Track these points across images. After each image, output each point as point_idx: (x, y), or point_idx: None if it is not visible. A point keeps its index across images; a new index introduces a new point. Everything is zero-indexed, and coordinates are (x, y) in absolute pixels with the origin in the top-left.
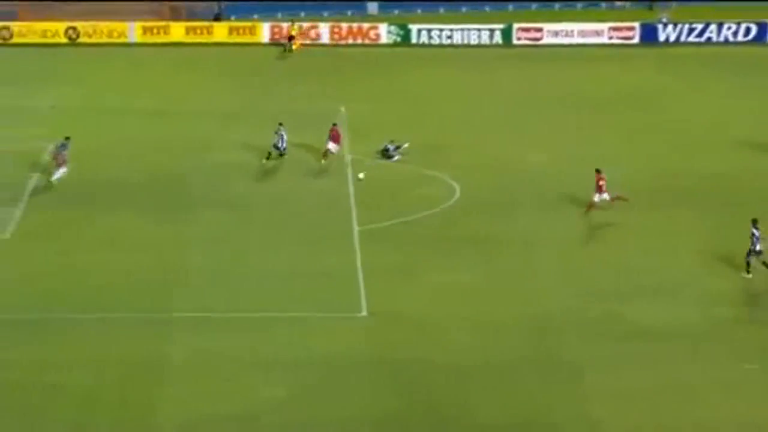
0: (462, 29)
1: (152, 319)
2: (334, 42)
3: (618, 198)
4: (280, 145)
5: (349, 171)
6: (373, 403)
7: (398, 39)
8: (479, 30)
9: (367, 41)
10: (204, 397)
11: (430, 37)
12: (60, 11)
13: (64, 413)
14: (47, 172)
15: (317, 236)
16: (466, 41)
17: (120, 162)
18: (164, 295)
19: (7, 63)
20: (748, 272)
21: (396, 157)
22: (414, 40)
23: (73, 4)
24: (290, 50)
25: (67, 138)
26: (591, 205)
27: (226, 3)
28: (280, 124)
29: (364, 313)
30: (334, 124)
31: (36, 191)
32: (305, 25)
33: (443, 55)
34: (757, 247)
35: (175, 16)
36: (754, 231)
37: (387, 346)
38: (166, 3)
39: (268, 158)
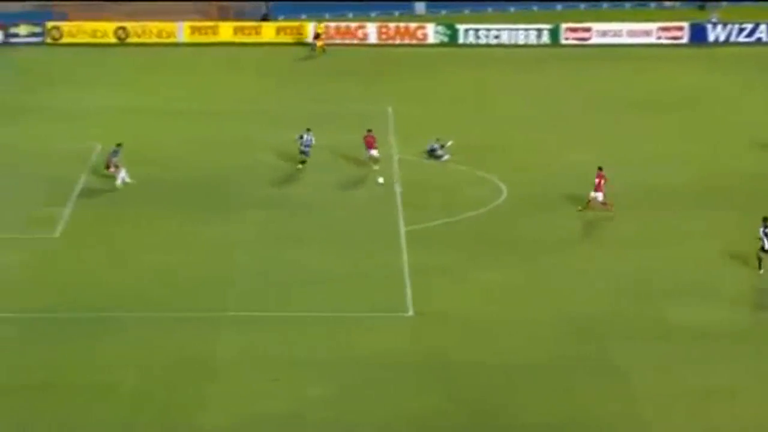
0: (509, 29)
1: (200, 318)
2: (381, 42)
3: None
4: (305, 149)
5: (396, 171)
6: (418, 403)
7: (445, 39)
8: (527, 30)
9: (414, 41)
10: (251, 396)
11: (477, 37)
12: (110, 11)
13: (113, 412)
14: (96, 172)
15: (364, 236)
16: (513, 41)
17: (168, 162)
18: (212, 294)
19: (57, 63)
20: (760, 268)
21: (445, 157)
22: (461, 40)
23: (123, 4)
24: (314, 49)
25: (119, 144)
26: (591, 202)
27: (274, 3)
28: (308, 130)
29: (411, 313)
30: (369, 131)
31: (85, 191)
32: (353, 25)
33: (490, 55)
34: (766, 246)
35: (223, 16)
36: (764, 230)
37: (433, 346)
38: (215, 3)
39: (303, 164)
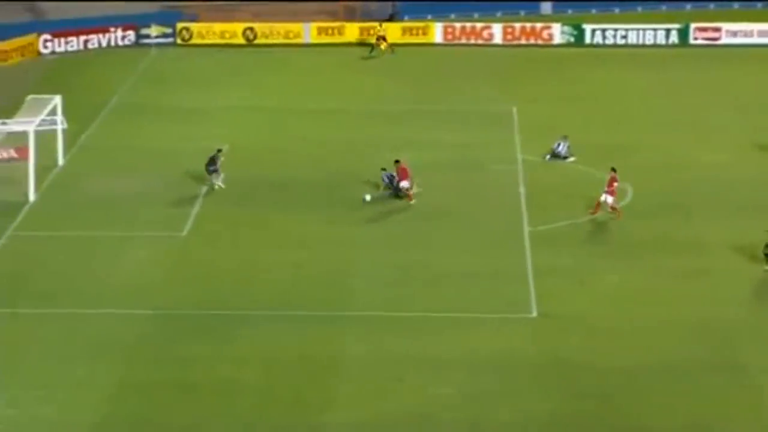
0: (637, 29)
1: (325, 318)
2: (506, 43)
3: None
4: (388, 184)
5: (520, 172)
6: (542, 405)
7: (572, 39)
8: (655, 30)
9: (540, 42)
10: (377, 395)
11: (604, 37)
12: (239, 12)
13: (238, 410)
14: (222, 172)
15: (487, 237)
16: (641, 41)
17: (293, 161)
18: (336, 293)
19: (187, 63)
20: None
21: (570, 159)
22: (588, 41)
23: (252, 5)
24: (379, 51)
25: (220, 150)
26: (599, 205)
27: (401, 3)
28: (383, 170)
29: (534, 314)
30: (397, 161)
31: (211, 190)
32: (478, 26)
33: (617, 55)
34: None
35: (350, 16)
36: None
37: (557, 348)
38: (341, 3)
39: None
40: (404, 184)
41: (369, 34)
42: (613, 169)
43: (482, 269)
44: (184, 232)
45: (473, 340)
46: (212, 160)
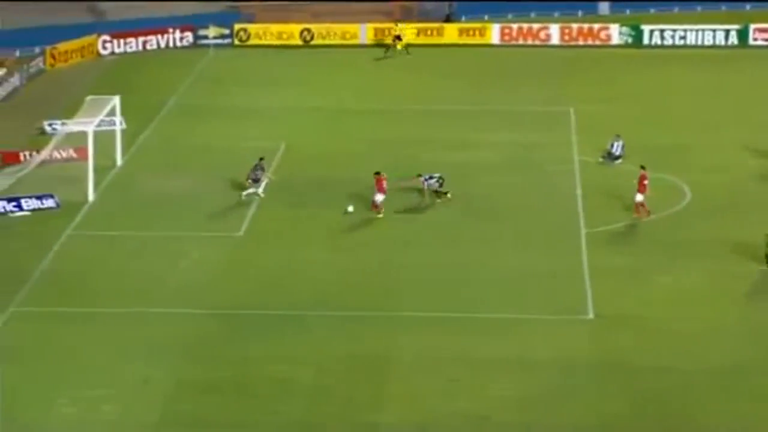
0: (696, 30)
1: (378, 318)
2: (563, 43)
3: (642, 207)
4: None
5: (577, 173)
6: (599, 407)
7: (629, 40)
8: (714, 31)
9: (597, 42)
10: (431, 396)
11: (662, 38)
12: (296, 12)
13: (292, 409)
14: (276, 173)
15: (544, 238)
16: (699, 42)
17: (349, 161)
18: (390, 293)
19: (244, 64)
20: None
21: (619, 161)
22: (646, 41)
23: (308, 5)
24: (394, 51)
25: (262, 158)
26: (638, 206)
27: (458, 3)
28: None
29: (591, 315)
30: (377, 173)
31: (269, 189)
32: (535, 26)
33: (676, 56)
34: None
35: (406, 17)
36: None
37: (613, 349)
38: (397, 3)
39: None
40: (378, 197)
41: (427, 35)
42: (643, 167)
43: (538, 270)
44: (241, 232)
45: (529, 341)
46: (255, 169)
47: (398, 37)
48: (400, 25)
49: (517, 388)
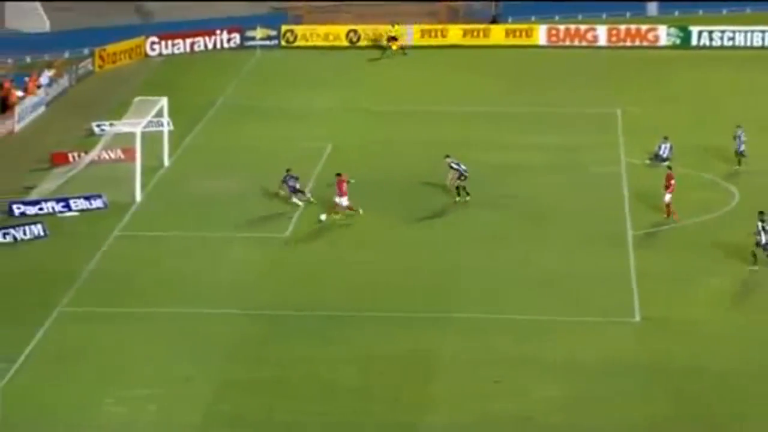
0: (745, 31)
1: (423, 319)
2: (611, 44)
3: (667, 207)
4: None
5: (624, 175)
6: (644, 409)
7: (677, 41)
8: (763, 32)
9: (645, 44)
10: (476, 397)
11: (711, 39)
12: (343, 13)
13: (336, 410)
14: (324, 174)
15: (590, 240)
16: (748, 43)
17: (394, 162)
18: (435, 295)
19: (290, 65)
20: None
21: (667, 163)
22: (694, 43)
23: (354, 5)
24: (391, 52)
25: (288, 170)
26: (668, 207)
27: (505, 2)
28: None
29: (638, 318)
30: (338, 174)
31: (314, 190)
32: (582, 27)
33: (724, 57)
34: (763, 241)
35: (452, 18)
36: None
37: (660, 352)
38: (444, 4)
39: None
40: (340, 200)
41: (473, 36)
42: (669, 168)
43: (585, 271)
44: (287, 233)
45: (576, 343)
46: (286, 181)
47: (393, 38)
48: (396, 26)
49: (562, 389)
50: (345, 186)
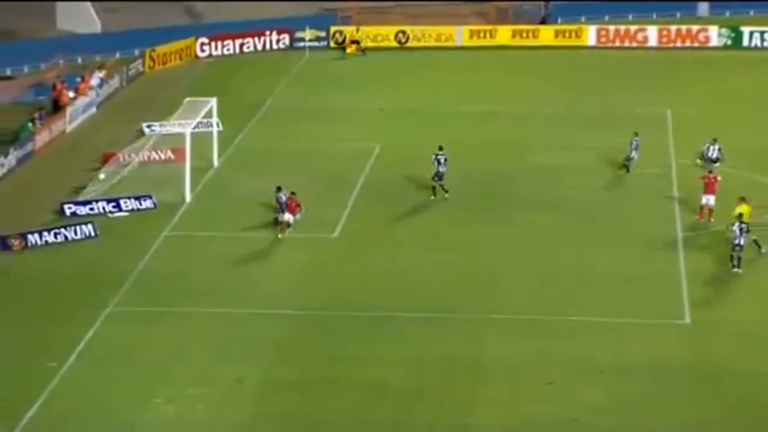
0: None
1: (471, 320)
2: (661, 45)
3: (701, 209)
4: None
5: (674, 176)
6: (692, 412)
7: (729, 42)
8: None
9: (695, 44)
10: (524, 398)
11: (762, 40)
12: (392, 14)
13: (383, 410)
14: (372, 174)
15: (640, 240)
16: None
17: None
18: (483, 296)
19: (340, 66)
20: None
21: (717, 165)
22: (745, 43)
23: (403, 5)
24: (349, 54)
25: (279, 188)
26: (706, 209)
27: (554, 3)
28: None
29: (687, 320)
30: (292, 193)
31: (363, 191)
32: (632, 28)
33: None
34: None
35: (502, 18)
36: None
37: (709, 355)
38: (493, 4)
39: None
40: (288, 216)
41: (522, 37)
42: (710, 171)
43: (634, 273)
44: (336, 234)
45: (623, 345)
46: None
47: (355, 42)
48: (360, 32)
49: (610, 391)
50: (294, 204)
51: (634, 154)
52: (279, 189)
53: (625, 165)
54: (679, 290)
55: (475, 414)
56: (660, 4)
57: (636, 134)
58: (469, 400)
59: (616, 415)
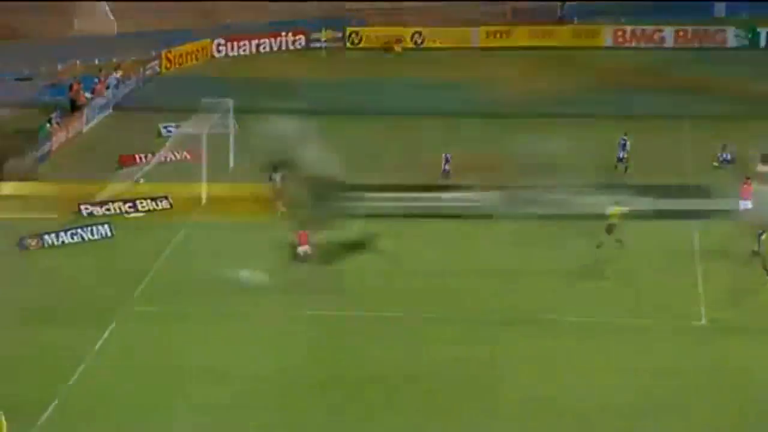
0: None
1: (486, 320)
2: (677, 46)
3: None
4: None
5: (691, 177)
6: (707, 415)
7: (746, 43)
8: None
9: (712, 45)
10: (540, 399)
11: None
12: (407, 15)
13: (404, 411)
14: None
15: (657, 242)
16: None
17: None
18: (502, 298)
19: (356, 66)
20: None
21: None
22: (762, 45)
23: (418, 8)
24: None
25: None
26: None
27: (570, 3)
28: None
29: (704, 321)
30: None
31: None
32: (649, 28)
33: None
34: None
35: (518, 18)
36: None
37: (726, 357)
38: (510, 4)
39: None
40: (302, 249)
41: (538, 37)
42: (747, 178)
43: (651, 274)
44: None
45: (639, 347)
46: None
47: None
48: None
49: (628, 393)
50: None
51: (622, 154)
52: (275, 169)
53: (616, 165)
54: (695, 292)
55: (494, 420)
56: (677, 4)
57: (625, 134)
58: (487, 404)
59: (634, 416)
